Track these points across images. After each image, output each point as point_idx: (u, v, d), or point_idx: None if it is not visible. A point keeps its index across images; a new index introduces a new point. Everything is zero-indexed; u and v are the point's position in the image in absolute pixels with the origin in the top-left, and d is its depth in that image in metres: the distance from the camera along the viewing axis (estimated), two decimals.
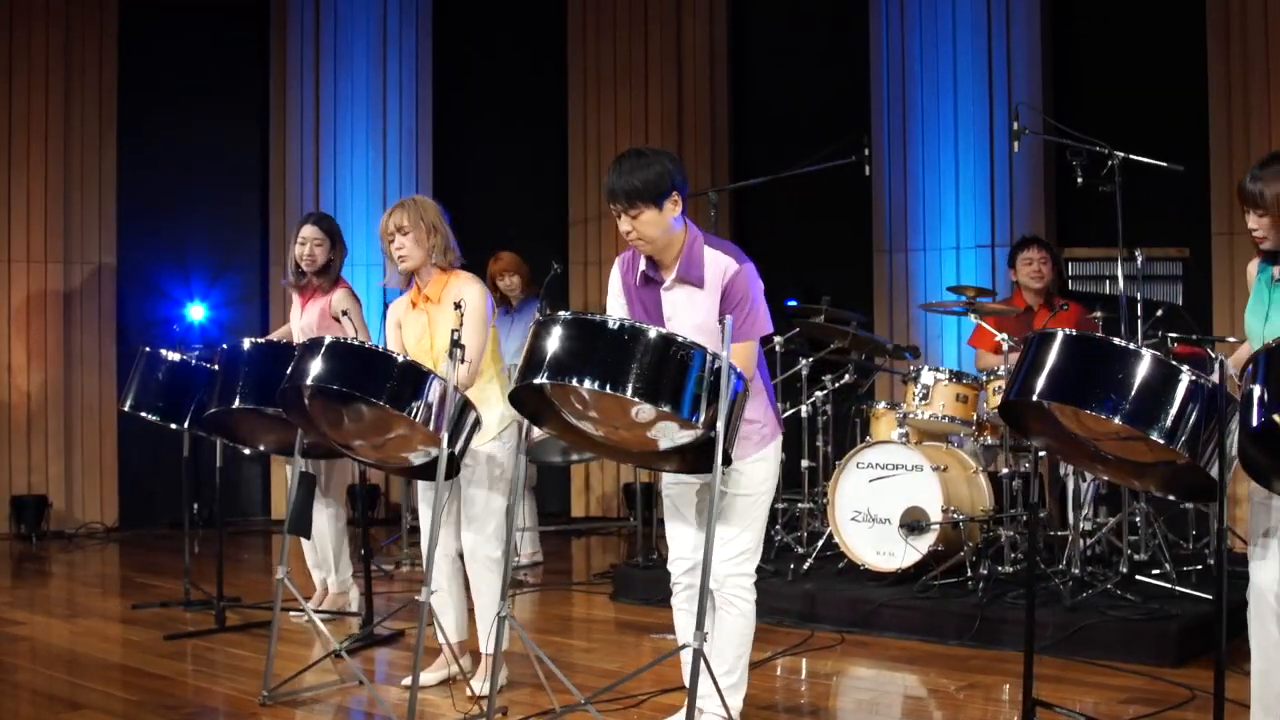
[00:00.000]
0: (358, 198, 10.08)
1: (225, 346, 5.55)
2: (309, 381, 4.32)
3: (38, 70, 9.50)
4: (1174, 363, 3.55)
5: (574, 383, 3.61)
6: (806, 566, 6.39)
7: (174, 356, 6.25)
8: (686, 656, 3.72)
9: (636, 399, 3.54)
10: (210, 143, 10.08)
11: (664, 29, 10.03)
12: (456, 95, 10.50)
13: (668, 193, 3.81)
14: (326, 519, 6.01)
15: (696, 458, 3.89)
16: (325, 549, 6.09)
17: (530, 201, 10.33)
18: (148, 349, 6.33)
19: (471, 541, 4.73)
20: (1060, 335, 3.71)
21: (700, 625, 3.55)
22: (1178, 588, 5.68)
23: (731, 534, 3.91)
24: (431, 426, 4.25)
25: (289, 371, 4.44)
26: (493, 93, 10.47)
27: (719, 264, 3.87)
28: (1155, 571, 5.93)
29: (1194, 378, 3.50)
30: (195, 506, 9.90)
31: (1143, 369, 3.53)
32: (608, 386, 3.57)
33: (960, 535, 6.15)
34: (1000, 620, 5.53)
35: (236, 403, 5.35)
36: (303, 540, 6.19)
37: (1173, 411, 3.50)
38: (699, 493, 4.00)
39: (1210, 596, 5.61)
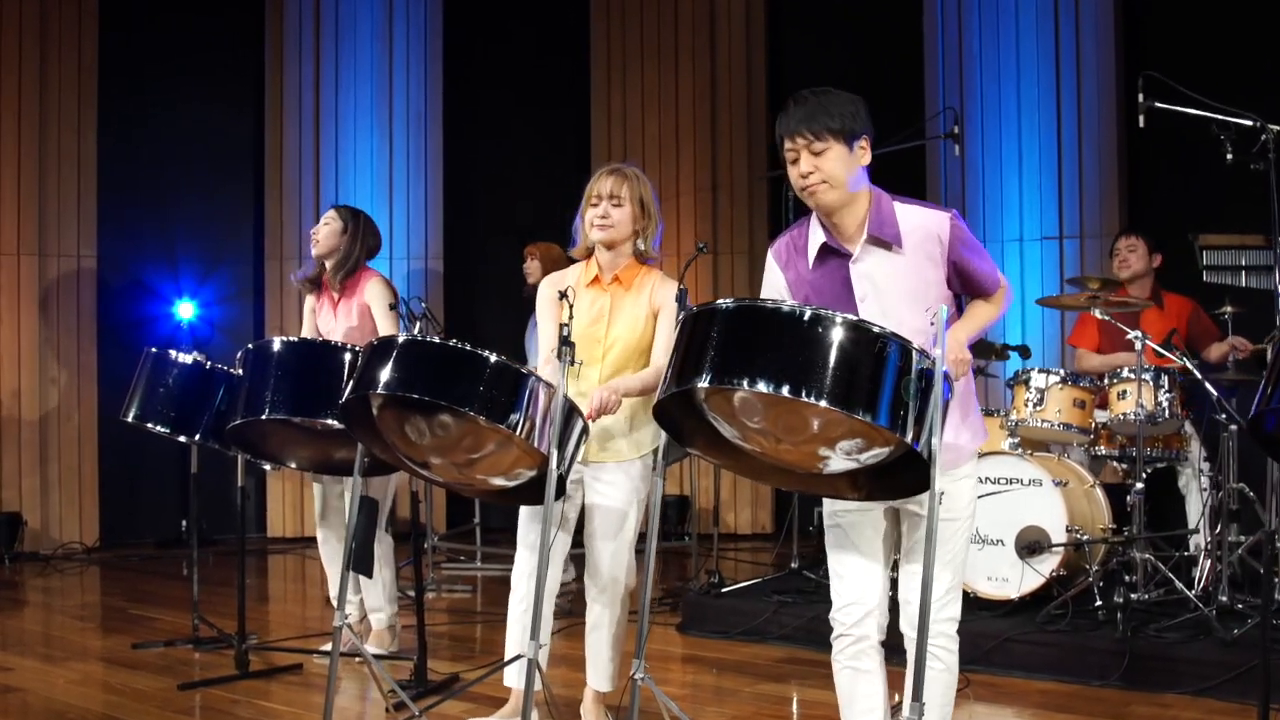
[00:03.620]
0: (361, 186, 9.26)
1: (251, 346, 4.73)
2: (381, 389, 3.54)
3: (9, 47, 8.66)
4: None
5: (745, 385, 2.86)
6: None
7: (185, 359, 5.40)
8: None
9: (826, 404, 2.78)
10: (200, 127, 9.28)
11: (696, 0, 9.28)
12: (469, 74, 9.69)
13: (859, 134, 3.14)
14: (380, 547, 5.21)
15: (874, 481, 3.15)
16: (377, 581, 5.28)
17: (549, 187, 9.54)
18: (154, 350, 5.47)
19: (608, 569, 4.05)
20: None
21: (918, 694, 2.80)
22: None
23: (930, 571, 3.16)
24: (536, 442, 3.48)
25: (355, 378, 3.66)
26: (509, 70, 9.68)
27: (921, 220, 3.17)
28: None
29: None
30: (184, 525, 9.17)
31: None
32: (785, 389, 2.81)
33: (1082, 559, 5.45)
34: (1151, 657, 4.83)
35: (266, 413, 4.54)
36: (325, 548, 5.44)
37: None
38: (890, 520, 3.26)
39: None
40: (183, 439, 5.42)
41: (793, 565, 6.35)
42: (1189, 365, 5.37)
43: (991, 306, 3.29)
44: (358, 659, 5.21)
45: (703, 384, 2.91)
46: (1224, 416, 5.36)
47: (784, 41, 9.36)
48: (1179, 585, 5.27)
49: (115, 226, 9.03)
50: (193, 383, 5.36)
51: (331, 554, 5.50)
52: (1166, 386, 5.52)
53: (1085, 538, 5.40)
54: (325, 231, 5.49)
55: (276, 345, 4.67)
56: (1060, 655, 5.01)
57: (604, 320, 4.11)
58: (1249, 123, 5.17)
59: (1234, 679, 4.60)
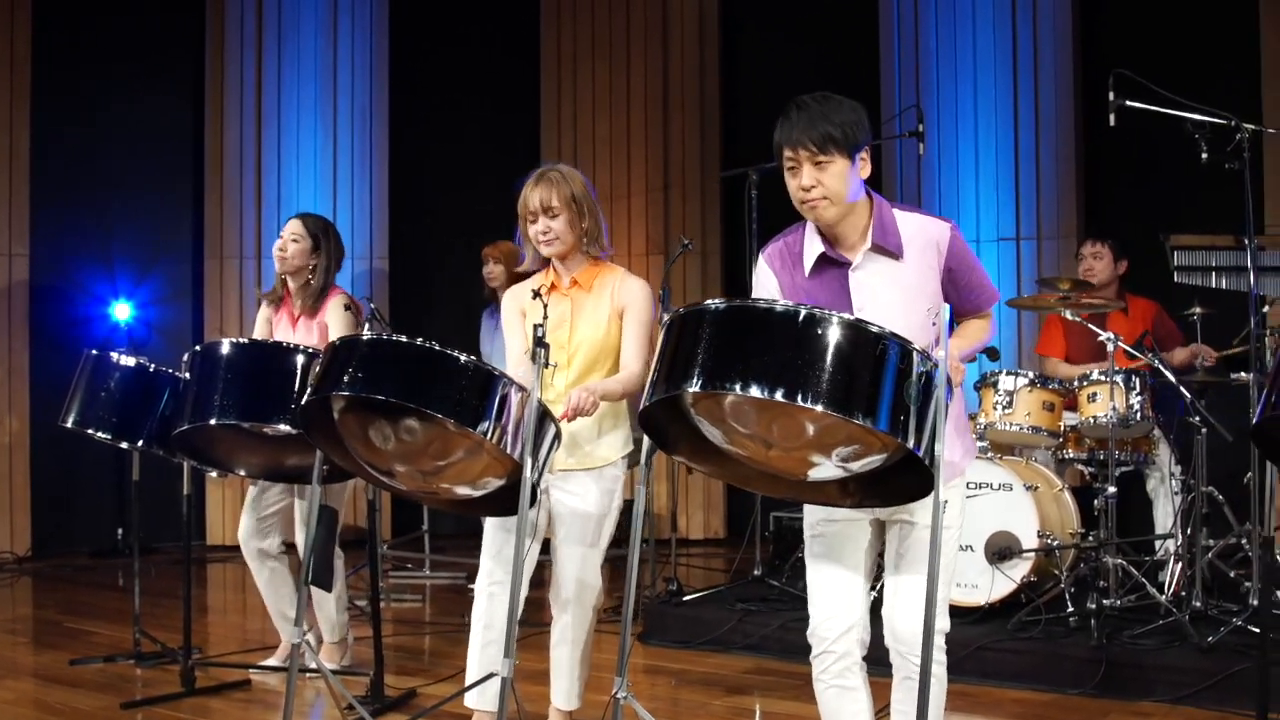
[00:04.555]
0: (305, 186, 9.01)
1: (199, 348, 4.52)
2: (344, 390, 3.35)
3: None
4: None
5: (737, 389, 2.71)
6: (871, 600, 5.52)
7: (127, 362, 5.14)
8: None
9: (823, 408, 2.64)
10: (138, 123, 8.96)
11: None
12: (417, 73, 9.46)
13: (860, 145, 3.03)
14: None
15: (866, 488, 3.02)
16: (332, 593, 5.06)
17: (499, 188, 9.31)
18: (94, 352, 5.21)
19: (577, 580, 3.87)
20: None
21: (923, 715, 2.66)
22: None
23: (920, 582, 3.02)
24: (507, 448, 3.31)
25: (316, 379, 3.47)
26: (457, 68, 9.47)
27: (921, 227, 3.08)
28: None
29: None
30: (120, 533, 8.88)
31: None
32: (780, 393, 2.66)
33: (1053, 564, 5.36)
34: (1127, 664, 4.74)
35: (215, 418, 4.33)
36: (259, 573, 5.18)
37: None
38: (874, 530, 3.13)
39: None
40: (125, 445, 5.17)
41: (755, 572, 6.21)
42: (1161, 367, 5.29)
43: (984, 325, 3.23)
44: (308, 674, 5.00)
45: (693, 388, 2.76)
46: (1196, 419, 5.29)
47: (738, 40, 9.24)
48: (1152, 590, 5.20)
49: (48, 224, 8.70)
50: (135, 386, 5.09)
51: (257, 559, 5.20)
52: (1137, 389, 5.44)
53: (1056, 543, 5.31)
54: (294, 250, 5.20)
55: (225, 347, 4.48)
56: (1034, 663, 4.91)
57: (566, 325, 3.96)
58: (1223, 121, 5.11)
59: (1212, 686, 4.53)
